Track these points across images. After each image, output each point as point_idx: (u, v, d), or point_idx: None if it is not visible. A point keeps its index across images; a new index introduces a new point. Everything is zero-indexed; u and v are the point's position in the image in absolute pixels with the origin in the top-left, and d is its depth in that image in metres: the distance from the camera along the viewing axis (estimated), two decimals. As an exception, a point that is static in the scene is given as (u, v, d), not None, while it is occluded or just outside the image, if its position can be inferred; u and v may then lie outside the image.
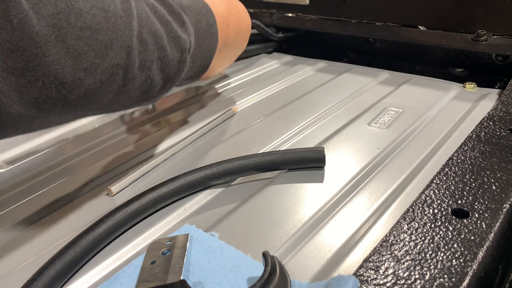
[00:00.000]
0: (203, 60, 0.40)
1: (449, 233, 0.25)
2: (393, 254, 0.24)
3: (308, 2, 0.68)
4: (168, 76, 0.36)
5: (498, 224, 0.25)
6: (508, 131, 0.35)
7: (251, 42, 0.67)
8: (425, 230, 0.26)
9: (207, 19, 0.40)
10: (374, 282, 0.23)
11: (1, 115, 0.24)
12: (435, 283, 0.22)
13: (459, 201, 0.28)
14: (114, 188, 0.36)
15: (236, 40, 0.48)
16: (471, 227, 0.25)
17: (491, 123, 0.37)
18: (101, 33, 0.28)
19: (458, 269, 0.23)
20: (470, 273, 0.22)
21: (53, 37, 0.25)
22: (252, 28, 0.63)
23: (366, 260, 0.24)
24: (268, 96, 0.54)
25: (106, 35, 0.28)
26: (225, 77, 0.60)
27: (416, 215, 0.27)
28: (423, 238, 0.25)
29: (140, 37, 0.31)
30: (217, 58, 0.46)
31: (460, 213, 0.27)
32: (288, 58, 0.67)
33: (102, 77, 0.28)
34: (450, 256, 0.24)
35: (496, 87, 0.53)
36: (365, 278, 0.23)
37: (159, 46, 0.33)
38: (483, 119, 0.38)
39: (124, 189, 0.37)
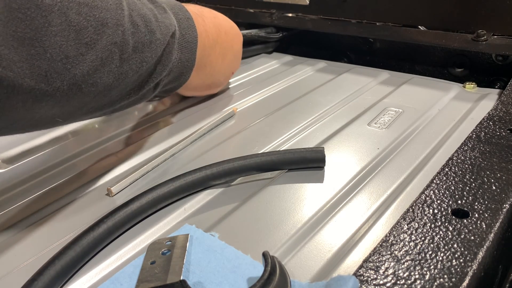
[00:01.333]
0: (189, 51, 0.42)
1: (449, 233, 0.25)
2: (393, 254, 0.24)
3: (308, 2, 0.68)
4: (160, 60, 0.37)
5: (498, 224, 0.25)
6: (508, 131, 0.35)
7: (251, 42, 0.68)
8: (425, 230, 0.26)
9: (183, 13, 0.42)
10: (374, 282, 0.23)
11: (13, 88, 0.25)
12: (435, 283, 0.22)
13: (459, 201, 0.28)
14: (114, 188, 0.36)
15: (220, 36, 0.49)
16: (471, 227, 0.25)
17: (491, 123, 0.37)
18: (97, 10, 0.29)
19: (458, 269, 0.23)
20: (470, 273, 0.22)
21: (57, 8, 0.26)
22: (248, 39, 0.65)
23: (366, 260, 0.24)
24: (268, 96, 0.54)
25: (101, 13, 0.30)
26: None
27: (416, 215, 0.27)
28: (423, 238, 0.25)
29: (131, 19, 0.33)
30: (211, 57, 0.47)
31: (460, 213, 0.27)
32: (288, 58, 0.67)
33: (102, 54, 0.30)
34: (450, 256, 0.24)
35: (496, 87, 0.53)
36: (365, 278, 0.23)
37: (149, 29, 0.35)
38: (483, 119, 0.38)
39: (124, 189, 0.37)
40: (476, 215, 0.26)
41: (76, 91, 0.29)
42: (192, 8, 0.45)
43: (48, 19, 0.26)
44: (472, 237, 0.25)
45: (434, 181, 0.30)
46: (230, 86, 0.58)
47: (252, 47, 0.68)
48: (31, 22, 0.25)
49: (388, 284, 0.22)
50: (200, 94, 0.54)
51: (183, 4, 0.47)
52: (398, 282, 0.22)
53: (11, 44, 0.24)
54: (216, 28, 0.48)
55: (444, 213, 0.27)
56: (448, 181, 0.30)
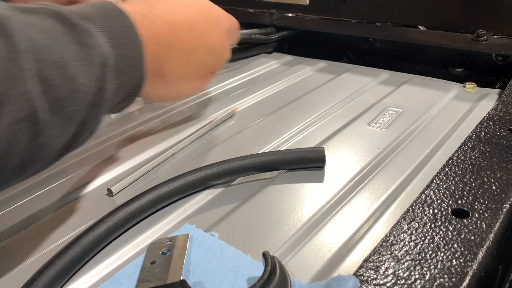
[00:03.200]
0: (132, 69, 0.33)
1: (449, 233, 0.25)
2: (393, 254, 0.24)
3: (308, 2, 0.68)
4: (92, 104, 0.29)
5: (498, 224, 0.25)
6: (508, 131, 0.35)
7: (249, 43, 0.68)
8: (425, 230, 0.26)
9: (120, 21, 0.33)
10: (374, 282, 0.23)
11: None
12: (435, 283, 0.22)
13: (459, 201, 0.28)
14: (114, 188, 0.36)
15: (178, 38, 0.39)
16: (471, 227, 0.25)
17: (491, 123, 0.37)
18: None
19: (458, 269, 0.23)
20: (470, 273, 0.22)
21: None
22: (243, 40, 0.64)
23: (366, 260, 0.24)
24: (268, 96, 0.54)
25: None
26: (225, 77, 0.60)
27: (416, 215, 0.27)
28: (423, 238, 0.25)
29: (39, 75, 0.25)
30: (169, 64, 0.39)
31: (460, 213, 0.27)
32: (288, 58, 0.67)
33: (5, 140, 0.24)
34: (450, 256, 0.24)
35: (496, 87, 0.53)
36: (365, 278, 0.23)
37: (68, 77, 0.27)
38: (483, 119, 0.38)
39: (124, 189, 0.37)
40: (476, 215, 0.26)
41: None
42: (138, 5, 0.36)
43: None
44: (472, 237, 0.25)
45: (434, 181, 0.30)
46: (230, 86, 0.58)
47: (252, 47, 0.68)
48: None
49: (388, 284, 0.22)
50: (172, 101, 0.48)
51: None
52: (398, 282, 0.22)
53: None
54: (173, 28, 0.38)
55: (444, 213, 0.27)
56: (448, 181, 0.30)
